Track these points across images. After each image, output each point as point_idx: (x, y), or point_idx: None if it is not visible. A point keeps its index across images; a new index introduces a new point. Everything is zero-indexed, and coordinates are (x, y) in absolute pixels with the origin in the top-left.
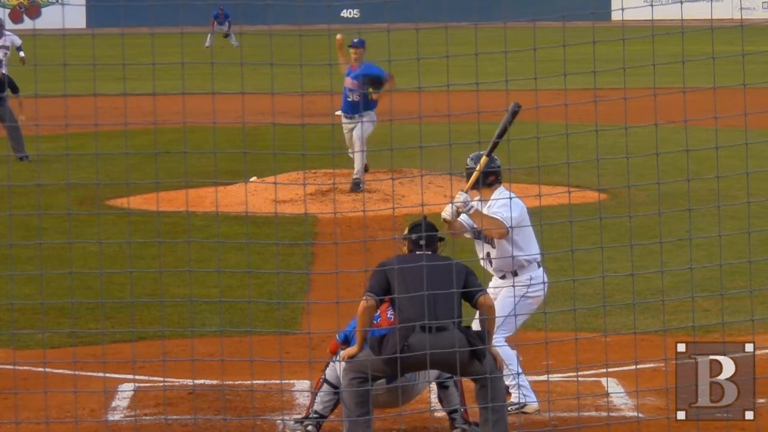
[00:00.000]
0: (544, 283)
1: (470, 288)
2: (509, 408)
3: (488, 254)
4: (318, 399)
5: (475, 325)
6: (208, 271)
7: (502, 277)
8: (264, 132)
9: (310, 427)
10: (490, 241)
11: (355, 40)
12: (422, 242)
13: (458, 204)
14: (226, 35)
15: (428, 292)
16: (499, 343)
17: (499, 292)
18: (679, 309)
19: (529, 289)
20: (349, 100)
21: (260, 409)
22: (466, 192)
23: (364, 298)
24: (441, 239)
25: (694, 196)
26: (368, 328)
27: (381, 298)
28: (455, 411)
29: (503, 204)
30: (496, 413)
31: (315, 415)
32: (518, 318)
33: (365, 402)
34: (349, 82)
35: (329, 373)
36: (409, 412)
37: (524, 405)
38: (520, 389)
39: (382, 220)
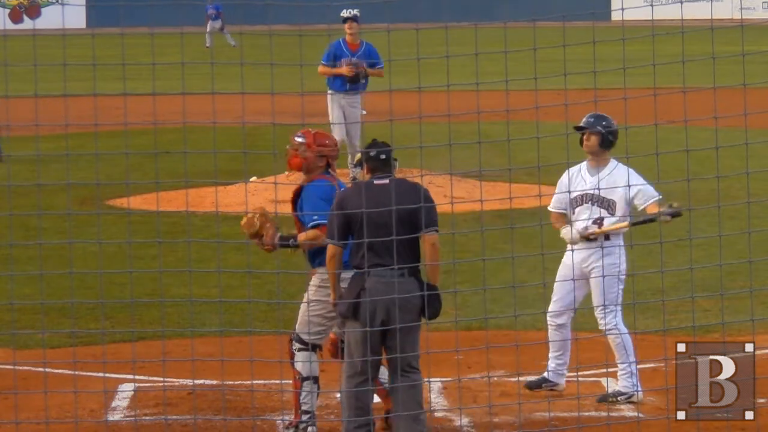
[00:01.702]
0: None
1: (423, 220)
2: (618, 397)
3: (601, 219)
4: (302, 399)
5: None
6: (208, 271)
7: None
8: (264, 132)
9: (310, 428)
10: (609, 206)
11: (349, 14)
12: (383, 157)
13: (579, 231)
14: (221, 29)
15: (388, 238)
16: (621, 329)
17: (594, 270)
18: (679, 309)
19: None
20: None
21: (260, 409)
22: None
23: (328, 245)
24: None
25: (694, 196)
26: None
27: (344, 243)
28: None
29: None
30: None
31: (307, 415)
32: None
33: (364, 402)
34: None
35: (299, 367)
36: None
37: (633, 395)
38: (633, 377)
39: None
